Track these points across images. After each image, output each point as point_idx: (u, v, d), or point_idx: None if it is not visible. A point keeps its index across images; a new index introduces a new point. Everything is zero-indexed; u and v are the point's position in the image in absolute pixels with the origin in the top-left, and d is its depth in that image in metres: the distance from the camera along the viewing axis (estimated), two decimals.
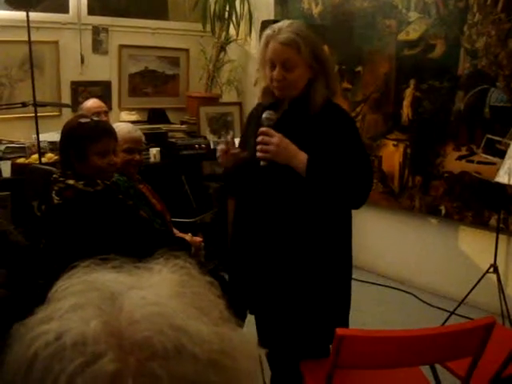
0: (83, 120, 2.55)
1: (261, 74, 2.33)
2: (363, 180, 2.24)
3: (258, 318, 2.50)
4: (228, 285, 3.21)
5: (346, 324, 2.39)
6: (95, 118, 2.68)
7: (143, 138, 3.13)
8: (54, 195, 2.48)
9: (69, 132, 2.52)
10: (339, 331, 1.78)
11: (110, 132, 2.57)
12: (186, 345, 0.53)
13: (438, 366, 2.47)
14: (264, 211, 2.32)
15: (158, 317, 0.55)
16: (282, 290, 2.31)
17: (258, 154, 2.18)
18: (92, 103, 4.31)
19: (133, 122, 4.84)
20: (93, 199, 2.47)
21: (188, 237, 3.12)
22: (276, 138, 2.16)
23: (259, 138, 2.18)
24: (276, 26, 2.25)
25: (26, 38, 4.11)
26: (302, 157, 2.15)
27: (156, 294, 0.58)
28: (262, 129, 2.20)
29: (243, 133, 2.62)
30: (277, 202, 2.28)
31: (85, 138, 2.48)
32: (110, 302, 0.56)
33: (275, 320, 2.38)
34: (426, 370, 2.43)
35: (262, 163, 2.20)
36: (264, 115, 2.25)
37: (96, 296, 0.57)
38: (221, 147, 2.34)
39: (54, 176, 2.54)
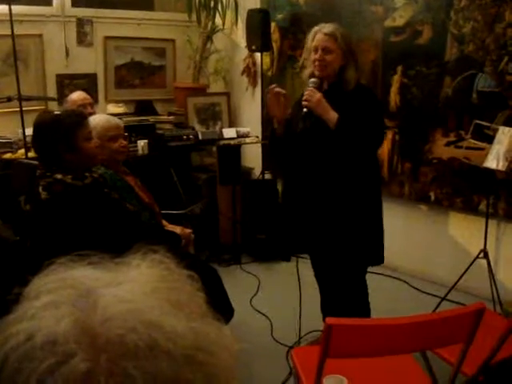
0: (57, 112, 2.55)
1: (307, 61, 3.06)
2: (375, 134, 2.99)
3: (313, 251, 3.21)
4: (218, 275, 3.21)
5: (381, 247, 3.12)
6: (62, 109, 2.73)
7: (122, 124, 3.14)
8: (41, 190, 2.46)
9: (51, 127, 2.49)
10: (328, 320, 1.77)
11: (86, 116, 2.65)
12: (159, 341, 0.53)
13: (430, 354, 2.47)
14: (309, 159, 3.01)
15: (131, 314, 0.54)
16: (331, 228, 3.01)
17: (303, 102, 2.91)
18: (77, 95, 4.26)
19: (120, 114, 4.82)
20: (82, 193, 2.45)
21: (178, 229, 3.11)
22: (318, 94, 2.90)
23: (306, 92, 2.93)
24: (322, 24, 3.02)
25: (9, 32, 4.06)
26: (333, 114, 2.86)
27: (131, 290, 0.57)
28: (309, 88, 2.95)
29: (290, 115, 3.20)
30: (318, 145, 2.97)
31: (71, 127, 2.48)
32: (85, 300, 0.56)
33: (328, 251, 3.07)
34: (417, 357, 2.44)
35: (304, 110, 2.92)
36: (310, 80, 2.99)
37: (70, 293, 0.56)
38: (273, 89, 3.05)
39: (39, 171, 2.52)
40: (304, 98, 2.93)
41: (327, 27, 2.97)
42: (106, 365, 0.51)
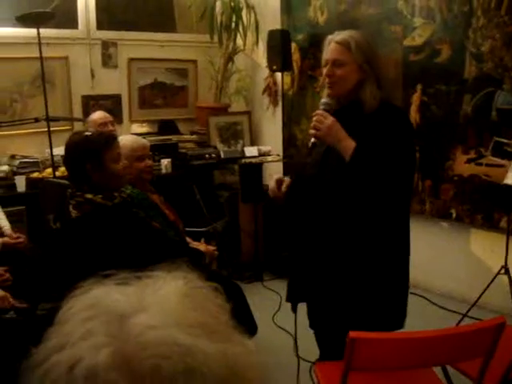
0: (87, 133, 2.64)
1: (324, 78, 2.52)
2: (402, 168, 2.34)
3: (314, 305, 2.68)
4: (242, 292, 3.26)
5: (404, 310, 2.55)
6: (91, 129, 2.79)
7: (149, 144, 3.23)
8: (71, 209, 2.54)
9: (80, 147, 2.57)
10: (352, 334, 1.81)
11: (115, 137, 2.70)
12: (194, 366, 0.55)
13: (450, 368, 2.49)
14: (315, 199, 2.46)
15: (163, 341, 0.56)
16: (338, 282, 2.45)
17: (311, 131, 2.38)
18: (98, 115, 4.35)
19: (143, 134, 4.92)
20: (111, 213, 2.52)
21: (202, 246, 3.17)
22: (329, 120, 2.33)
23: (314, 118, 2.37)
24: (338, 31, 2.48)
25: (37, 55, 4.19)
26: (349, 142, 2.28)
27: (160, 314, 0.59)
28: (318, 111, 2.39)
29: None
30: (326, 186, 2.41)
31: (100, 148, 2.55)
32: (118, 327, 0.57)
33: (330, 307, 2.54)
34: (437, 371, 2.46)
35: (312, 140, 2.40)
36: (322, 100, 2.46)
37: (104, 321, 0.58)
38: (273, 186, 2.54)
39: (70, 191, 2.59)
40: (312, 124, 2.38)
41: (340, 34, 2.43)
42: None
